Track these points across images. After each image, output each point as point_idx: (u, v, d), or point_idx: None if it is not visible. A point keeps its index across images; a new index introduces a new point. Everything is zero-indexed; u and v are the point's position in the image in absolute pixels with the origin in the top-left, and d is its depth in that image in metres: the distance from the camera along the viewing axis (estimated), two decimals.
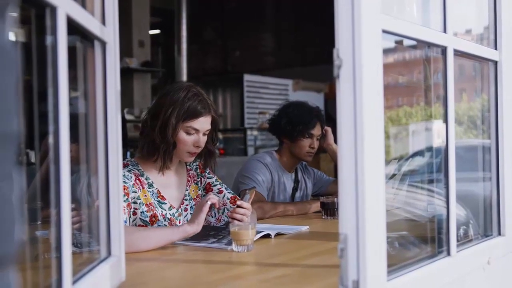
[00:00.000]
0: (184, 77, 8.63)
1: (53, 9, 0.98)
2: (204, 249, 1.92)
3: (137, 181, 2.16)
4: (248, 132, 7.39)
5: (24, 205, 0.57)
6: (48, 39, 1.01)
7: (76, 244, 1.31)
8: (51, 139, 1.00)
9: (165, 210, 2.21)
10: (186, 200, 2.31)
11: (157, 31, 10.38)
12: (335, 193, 2.98)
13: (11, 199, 0.53)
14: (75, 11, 1.09)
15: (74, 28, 1.12)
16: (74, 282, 1.09)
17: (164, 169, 2.23)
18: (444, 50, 1.50)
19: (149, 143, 2.19)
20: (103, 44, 1.34)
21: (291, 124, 2.96)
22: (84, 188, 1.47)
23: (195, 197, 2.35)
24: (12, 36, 0.56)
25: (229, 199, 2.33)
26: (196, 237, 2.03)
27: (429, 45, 1.55)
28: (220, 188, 2.37)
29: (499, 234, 1.80)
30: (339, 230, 1.18)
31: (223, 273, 1.62)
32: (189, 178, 2.36)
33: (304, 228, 2.33)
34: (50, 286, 1.01)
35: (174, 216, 2.24)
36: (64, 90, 1.01)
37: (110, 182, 1.37)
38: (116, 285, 1.37)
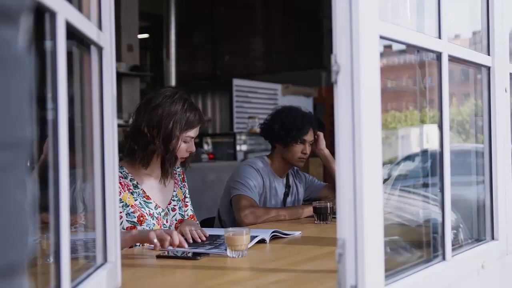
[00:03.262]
0: (173, 82, 8.62)
1: (53, 15, 0.98)
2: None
3: (119, 183, 2.18)
4: (238, 137, 7.38)
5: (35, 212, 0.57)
6: (47, 44, 1.00)
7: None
8: (50, 144, 0.99)
9: (152, 209, 2.26)
10: (173, 200, 2.39)
11: (145, 35, 10.37)
12: (326, 198, 2.99)
13: (24, 206, 0.53)
14: (73, 16, 1.08)
15: (71, 32, 1.12)
16: None
17: (165, 178, 2.32)
18: (439, 55, 1.51)
19: (149, 153, 2.24)
20: (100, 49, 1.34)
21: (284, 130, 2.95)
22: (78, 192, 1.46)
23: (181, 199, 2.44)
24: (25, 43, 0.56)
25: (188, 216, 2.44)
26: (193, 245, 2.02)
27: (425, 50, 1.56)
28: (188, 202, 2.50)
29: (492, 238, 1.81)
30: (337, 235, 1.18)
31: (219, 278, 1.61)
32: (175, 181, 2.44)
33: (297, 233, 2.33)
34: None
35: (160, 215, 2.30)
36: (63, 95, 1.00)
37: (106, 188, 1.36)
38: None
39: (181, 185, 2.48)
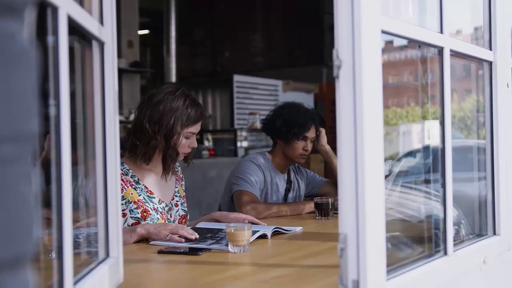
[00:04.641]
0: (173, 78, 8.62)
1: (55, 9, 0.98)
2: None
3: (121, 180, 2.19)
4: (238, 133, 7.37)
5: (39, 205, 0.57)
6: (49, 39, 1.00)
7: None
8: (52, 140, 0.99)
9: (156, 204, 2.28)
10: (176, 196, 2.41)
11: (146, 31, 10.36)
12: (328, 194, 2.99)
13: (29, 199, 0.53)
14: (75, 11, 1.08)
15: (72, 27, 1.11)
16: (75, 283, 1.08)
17: (167, 174, 2.33)
18: (440, 50, 1.51)
19: (151, 148, 2.25)
20: (101, 44, 1.34)
21: (286, 126, 2.95)
22: (80, 189, 1.47)
23: (182, 195, 2.46)
24: (30, 36, 0.56)
25: (180, 216, 2.43)
26: (194, 240, 2.02)
27: (426, 45, 1.55)
28: (184, 201, 2.49)
29: (494, 233, 1.81)
30: (339, 230, 1.18)
31: (220, 274, 1.62)
32: (177, 177, 2.46)
33: (299, 229, 2.33)
34: (51, 287, 1.00)
35: (164, 210, 2.32)
36: (65, 91, 1.00)
37: (108, 183, 1.36)
38: (115, 287, 1.36)
39: (181, 183, 2.51)
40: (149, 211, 2.24)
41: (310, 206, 2.82)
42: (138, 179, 2.28)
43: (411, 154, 2.44)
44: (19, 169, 0.52)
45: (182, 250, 1.88)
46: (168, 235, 2.02)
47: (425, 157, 1.97)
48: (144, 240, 2.11)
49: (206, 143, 7.46)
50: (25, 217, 0.52)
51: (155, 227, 2.06)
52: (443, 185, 1.52)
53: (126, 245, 2.00)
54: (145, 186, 2.29)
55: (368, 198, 1.16)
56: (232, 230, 1.86)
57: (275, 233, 2.20)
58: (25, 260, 0.52)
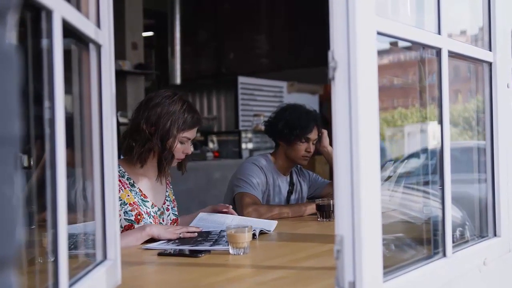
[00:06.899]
0: (178, 80, 8.62)
1: (49, 13, 0.98)
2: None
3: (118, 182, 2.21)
4: (243, 135, 7.36)
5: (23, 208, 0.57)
6: (44, 42, 1.00)
7: (71, 247, 1.31)
8: (47, 143, 1.00)
9: (149, 208, 2.31)
10: (167, 200, 2.44)
11: (150, 33, 10.37)
12: (330, 195, 2.98)
13: (12, 201, 0.53)
14: (70, 14, 1.08)
15: (68, 30, 1.12)
16: (71, 285, 1.09)
17: (161, 177, 2.36)
18: (438, 51, 1.51)
19: (146, 151, 2.27)
20: (98, 47, 1.34)
21: (288, 128, 2.95)
22: (79, 192, 1.47)
23: (172, 199, 2.49)
24: (13, 40, 0.56)
25: (171, 220, 2.44)
26: (189, 243, 2.03)
27: (424, 46, 1.55)
28: (174, 205, 2.51)
29: (495, 235, 1.80)
30: (335, 231, 1.18)
31: (220, 276, 1.61)
32: (168, 182, 2.49)
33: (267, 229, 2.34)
34: None
35: (157, 214, 2.34)
36: (60, 94, 1.01)
37: (106, 186, 1.37)
38: None
39: (171, 187, 2.53)
40: (142, 214, 2.26)
41: (311, 208, 2.81)
42: (133, 181, 2.31)
43: (415, 155, 2.43)
44: (1, 172, 0.52)
45: (181, 252, 1.89)
46: (180, 234, 2.11)
47: (429, 158, 1.96)
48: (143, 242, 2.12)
49: (211, 145, 7.46)
50: (7, 219, 0.52)
51: (165, 229, 2.13)
52: (442, 186, 1.51)
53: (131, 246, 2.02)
54: (139, 189, 2.31)
55: (364, 199, 1.16)
56: (233, 232, 1.86)
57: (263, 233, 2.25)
58: (8, 262, 0.52)
